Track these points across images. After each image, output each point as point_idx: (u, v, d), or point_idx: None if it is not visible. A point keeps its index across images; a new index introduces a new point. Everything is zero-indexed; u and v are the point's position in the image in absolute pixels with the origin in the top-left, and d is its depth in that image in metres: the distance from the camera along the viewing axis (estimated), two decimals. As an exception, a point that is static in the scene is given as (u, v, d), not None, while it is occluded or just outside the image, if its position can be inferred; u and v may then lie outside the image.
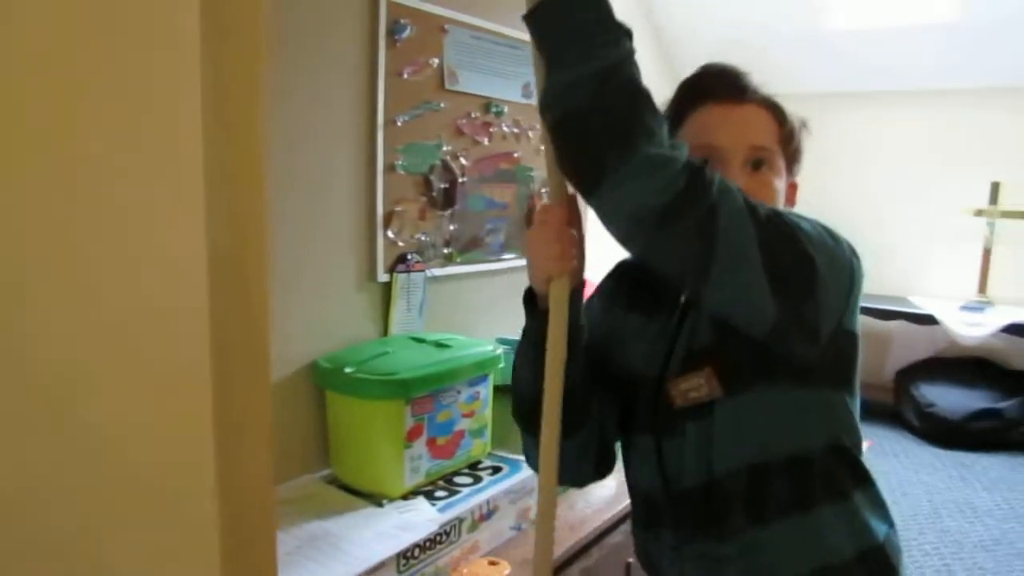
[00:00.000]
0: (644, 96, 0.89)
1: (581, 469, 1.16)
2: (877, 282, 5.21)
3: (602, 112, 0.87)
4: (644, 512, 1.17)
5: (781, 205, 1.13)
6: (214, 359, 0.71)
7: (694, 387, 1.04)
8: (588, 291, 1.16)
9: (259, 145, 0.72)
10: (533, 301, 1.06)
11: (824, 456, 1.04)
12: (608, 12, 0.90)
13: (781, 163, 1.13)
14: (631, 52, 0.91)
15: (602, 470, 1.19)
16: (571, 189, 1.04)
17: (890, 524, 1.10)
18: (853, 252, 1.05)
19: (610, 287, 1.22)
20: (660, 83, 1.08)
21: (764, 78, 1.18)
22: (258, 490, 0.79)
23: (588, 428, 1.11)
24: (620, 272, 1.22)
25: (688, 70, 1.22)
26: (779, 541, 1.03)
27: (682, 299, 1.10)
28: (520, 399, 1.12)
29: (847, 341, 1.06)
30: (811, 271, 0.94)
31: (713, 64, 1.17)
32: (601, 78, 0.87)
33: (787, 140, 1.14)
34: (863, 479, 1.08)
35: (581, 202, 0.99)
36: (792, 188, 1.19)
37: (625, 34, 0.91)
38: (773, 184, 1.11)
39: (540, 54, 0.93)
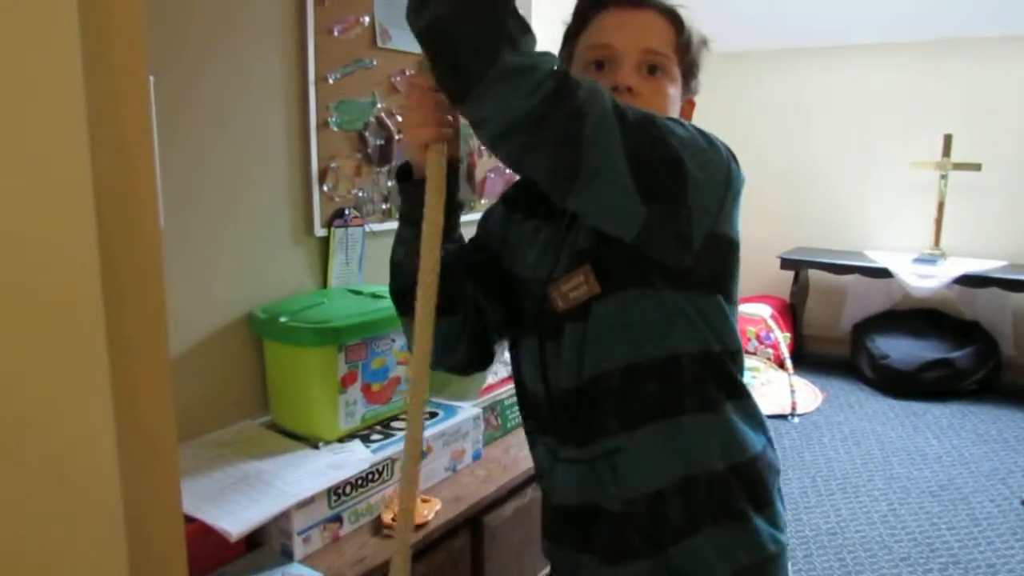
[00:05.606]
0: (506, 5, 0.90)
1: (455, 353, 1.18)
2: (834, 237, 5.31)
3: (464, 21, 0.88)
4: (528, 415, 1.20)
5: (675, 116, 1.13)
6: (105, 291, 0.71)
7: (574, 286, 1.06)
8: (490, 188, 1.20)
9: (142, 84, 0.75)
10: (408, 179, 1.08)
11: (694, 363, 1.05)
12: None
13: (677, 72, 1.14)
14: None
15: (477, 363, 1.22)
16: None
17: (767, 439, 1.12)
18: (731, 156, 1.05)
19: (515, 194, 1.24)
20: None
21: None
22: (161, 442, 0.80)
23: (464, 310, 1.14)
24: (526, 180, 1.22)
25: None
26: (645, 448, 1.05)
27: None
28: (396, 278, 1.14)
29: (724, 246, 1.07)
30: (680, 174, 0.95)
31: None
32: None
33: (684, 50, 1.15)
34: (736, 391, 1.09)
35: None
36: (689, 104, 1.21)
37: None
38: (667, 90, 1.12)
39: None
